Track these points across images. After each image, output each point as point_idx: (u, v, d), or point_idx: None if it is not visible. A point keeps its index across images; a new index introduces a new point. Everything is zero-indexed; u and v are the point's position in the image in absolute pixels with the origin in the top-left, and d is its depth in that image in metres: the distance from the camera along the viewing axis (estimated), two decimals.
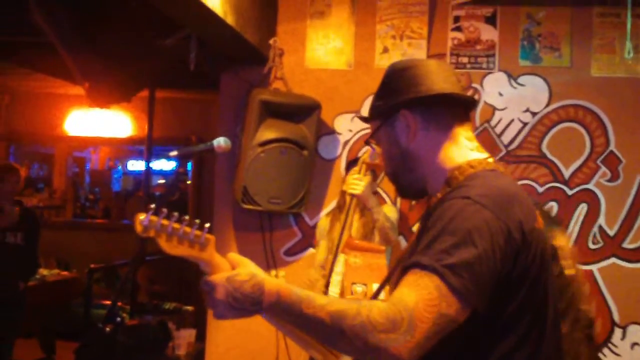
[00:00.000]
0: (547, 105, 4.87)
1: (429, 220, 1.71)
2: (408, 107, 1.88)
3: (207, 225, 1.73)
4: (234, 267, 1.70)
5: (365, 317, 1.52)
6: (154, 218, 1.65)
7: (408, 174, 1.93)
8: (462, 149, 1.88)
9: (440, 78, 1.90)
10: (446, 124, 1.89)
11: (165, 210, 1.67)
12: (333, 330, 1.55)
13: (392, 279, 1.89)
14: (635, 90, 4.79)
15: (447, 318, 1.55)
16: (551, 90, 4.86)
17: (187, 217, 1.70)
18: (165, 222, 1.67)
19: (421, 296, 1.55)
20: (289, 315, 1.62)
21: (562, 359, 1.93)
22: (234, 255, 1.74)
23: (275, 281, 1.64)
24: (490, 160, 1.87)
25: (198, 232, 1.71)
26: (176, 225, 1.68)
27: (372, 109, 1.99)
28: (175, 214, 1.69)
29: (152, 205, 1.66)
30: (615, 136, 4.80)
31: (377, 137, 1.98)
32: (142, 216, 1.65)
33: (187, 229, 1.69)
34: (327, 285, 4.03)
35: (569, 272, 2.60)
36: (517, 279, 1.68)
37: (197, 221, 1.71)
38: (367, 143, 2.04)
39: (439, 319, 1.54)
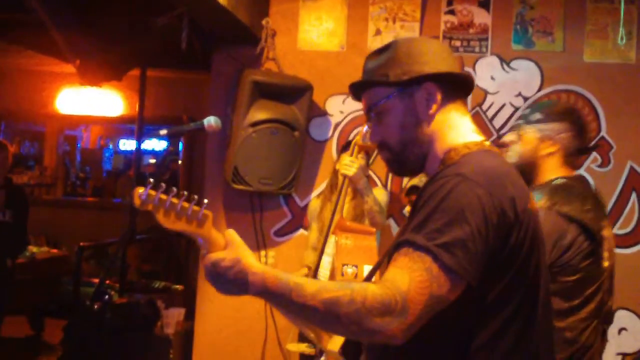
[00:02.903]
0: (539, 89, 4.86)
1: (421, 197, 1.72)
2: (435, 80, 1.87)
3: (206, 201, 1.72)
4: (226, 246, 1.69)
5: (359, 304, 1.54)
6: (152, 192, 1.62)
7: (417, 147, 1.89)
8: (464, 130, 1.88)
9: (454, 60, 1.94)
10: (458, 105, 1.91)
11: (163, 185, 1.65)
12: (327, 317, 1.57)
13: (384, 262, 1.89)
14: (627, 76, 4.78)
15: (438, 299, 1.59)
16: (543, 75, 4.85)
17: (185, 192, 1.69)
18: (163, 196, 1.64)
19: (413, 279, 1.57)
20: (278, 303, 1.64)
21: (552, 340, 1.94)
22: (231, 233, 1.72)
23: (261, 269, 1.63)
24: (487, 143, 1.88)
25: (196, 208, 1.68)
26: (174, 200, 1.65)
27: (382, 75, 1.93)
28: (174, 188, 1.67)
29: (151, 180, 1.64)
30: (607, 122, 4.80)
31: (387, 105, 1.93)
32: (140, 190, 1.62)
33: (185, 204, 1.66)
34: (317, 267, 4.03)
35: (605, 263, 2.64)
36: (507, 257, 1.68)
37: (195, 197, 1.69)
38: (370, 109, 1.96)
39: (430, 300, 1.58)
